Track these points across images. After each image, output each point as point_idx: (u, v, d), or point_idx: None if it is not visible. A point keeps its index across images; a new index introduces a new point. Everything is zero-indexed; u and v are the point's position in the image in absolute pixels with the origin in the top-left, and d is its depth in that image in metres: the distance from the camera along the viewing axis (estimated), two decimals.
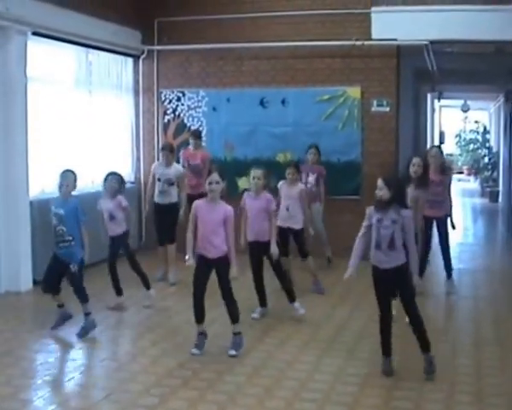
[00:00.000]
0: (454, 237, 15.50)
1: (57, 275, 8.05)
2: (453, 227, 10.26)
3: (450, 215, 10.21)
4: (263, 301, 8.87)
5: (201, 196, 11.05)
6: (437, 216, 9.80)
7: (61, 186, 7.94)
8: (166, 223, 10.75)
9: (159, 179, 10.66)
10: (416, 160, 8.90)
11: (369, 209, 6.78)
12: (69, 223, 7.87)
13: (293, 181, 9.80)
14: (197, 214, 7.37)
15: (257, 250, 8.63)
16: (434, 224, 9.94)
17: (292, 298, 8.78)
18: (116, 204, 9.13)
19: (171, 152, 10.77)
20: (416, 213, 8.20)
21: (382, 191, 6.60)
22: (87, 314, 7.97)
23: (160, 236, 10.90)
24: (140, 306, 9.22)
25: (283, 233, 9.56)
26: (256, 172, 8.52)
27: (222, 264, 7.35)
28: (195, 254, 7.40)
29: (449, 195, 10.21)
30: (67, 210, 7.87)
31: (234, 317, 7.44)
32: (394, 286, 6.79)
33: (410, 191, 8.18)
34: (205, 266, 7.35)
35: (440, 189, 9.87)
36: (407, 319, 6.95)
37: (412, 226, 6.77)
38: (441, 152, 10.57)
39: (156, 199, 10.74)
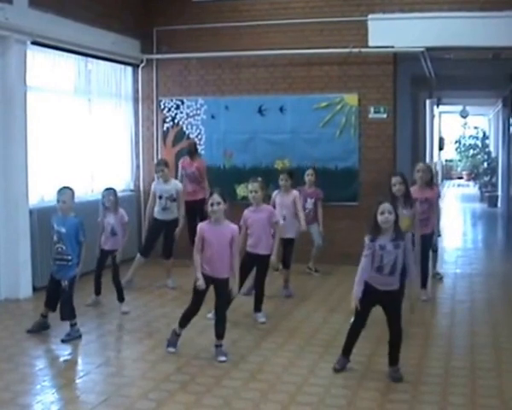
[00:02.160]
0: (452, 243, 15.64)
1: (56, 294, 8.13)
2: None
3: (437, 233, 10.23)
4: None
5: (199, 202, 11.33)
6: (422, 234, 9.34)
7: (58, 202, 8.03)
8: (165, 238, 10.88)
9: (160, 197, 10.70)
10: (395, 179, 8.70)
11: (368, 238, 6.69)
12: (69, 242, 7.96)
13: (287, 188, 9.89)
14: (204, 237, 7.32)
15: (251, 261, 8.73)
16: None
17: (258, 307, 8.89)
18: (118, 219, 9.32)
19: (166, 166, 10.82)
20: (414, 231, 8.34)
21: (391, 216, 6.58)
22: (72, 325, 8.06)
23: (150, 249, 10.94)
24: (137, 312, 9.29)
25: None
26: (253, 186, 8.61)
27: (224, 284, 7.40)
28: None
29: (437, 210, 10.23)
30: (68, 228, 7.96)
31: (219, 332, 7.45)
32: (383, 307, 6.83)
33: (399, 212, 8.01)
34: (207, 285, 7.36)
35: (426, 206, 9.71)
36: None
37: (411, 249, 6.83)
38: (428, 167, 10.54)
39: (159, 216, 10.75)
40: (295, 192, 10.05)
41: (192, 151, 12.13)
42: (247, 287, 9.45)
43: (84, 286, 9.13)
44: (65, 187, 8.20)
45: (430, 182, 10.16)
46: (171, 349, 7.53)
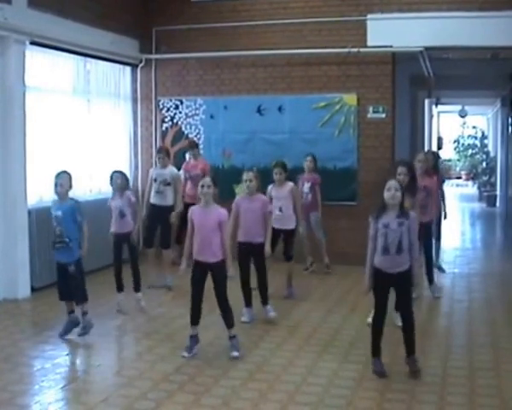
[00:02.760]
0: (451, 242, 15.65)
1: (66, 282, 8.10)
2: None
3: (444, 215, 10.26)
4: (249, 301, 8.90)
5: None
6: (420, 222, 9.01)
7: (55, 186, 8.02)
8: (161, 227, 10.79)
9: (155, 180, 10.73)
10: (400, 169, 8.66)
11: (372, 217, 6.76)
12: (66, 224, 7.94)
13: (282, 181, 9.87)
14: (193, 220, 7.44)
15: (247, 251, 8.72)
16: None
17: (265, 301, 8.90)
18: (125, 200, 9.25)
19: (166, 155, 10.86)
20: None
21: (398, 193, 6.62)
22: (84, 314, 8.06)
23: (150, 238, 10.90)
24: (136, 312, 9.28)
25: (275, 235, 9.48)
26: (248, 175, 8.63)
27: (218, 269, 7.42)
28: (192, 261, 7.49)
29: (442, 197, 10.23)
30: (65, 211, 7.95)
31: (229, 323, 7.52)
32: (395, 289, 6.83)
33: None
34: (201, 270, 7.43)
35: (424, 194, 9.67)
36: (399, 323, 7.04)
37: (417, 229, 6.84)
38: (427, 157, 10.44)
39: (152, 200, 10.78)
40: (291, 184, 10.01)
41: (195, 151, 12.08)
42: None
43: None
44: (63, 171, 8.16)
45: (432, 170, 10.19)
46: (185, 354, 7.40)
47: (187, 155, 12.29)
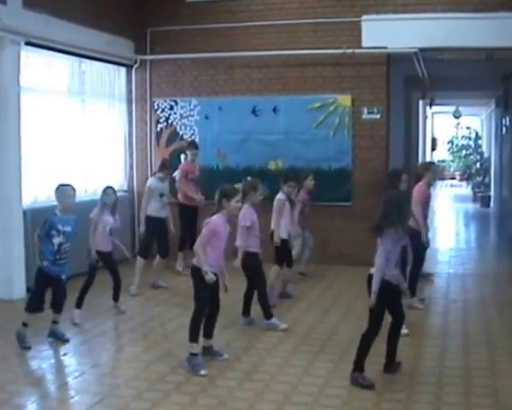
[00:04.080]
0: (445, 243, 15.69)
1: (43, 294, 7.99)
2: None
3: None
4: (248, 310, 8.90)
5: (195, 207, 11.44)
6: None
7: (64, 201, 7.91)
8: (165, 235, 10.86)
9: (161, 195, 10.66)
10: (405, 176, 8.86)
11: (395, 230, 6.61)
12: (71, 240, 7.91)
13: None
14: (218, 233, 7.17)
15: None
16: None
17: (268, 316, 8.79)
18: (115, 222, 9.19)
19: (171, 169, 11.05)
20: None
21: None
22: (55, 323, 8.03)
23: (148, 248, 10.89)
24: (131, 313, 9.29)
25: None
26: (262, 188, 8.66)
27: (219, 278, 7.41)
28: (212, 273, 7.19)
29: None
30: (72, 227, 7.91)
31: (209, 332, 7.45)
32: (396, 304, 6.84)
33: None
34: (216, 284, 7.25)
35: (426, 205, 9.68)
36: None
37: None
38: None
39: (157, 214, 10.66)
40: (280, 196, 9.96)
41: (195, 146, 12.02)
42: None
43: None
44: (66, 184, 8.07)
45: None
46: (203, 372, 6.94)
47: (182, 156, 12.24)
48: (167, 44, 13.23)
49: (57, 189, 8.00)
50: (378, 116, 12.45)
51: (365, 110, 12.48)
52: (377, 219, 6.55)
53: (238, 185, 8.31)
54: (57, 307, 7.99)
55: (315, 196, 11.50)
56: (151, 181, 10.92)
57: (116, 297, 9.35)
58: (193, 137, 13.20)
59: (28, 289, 10.16)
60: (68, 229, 7.86)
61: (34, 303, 7.89)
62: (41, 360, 7.40)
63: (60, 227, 7.83)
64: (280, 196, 9.86)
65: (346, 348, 7.71)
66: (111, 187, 9.40)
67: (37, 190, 10.80)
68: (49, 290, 7.92)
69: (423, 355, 7.53)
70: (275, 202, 9.78)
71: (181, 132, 13.38)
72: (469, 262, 13.75)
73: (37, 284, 7.91)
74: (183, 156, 12.23)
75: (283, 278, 10.17)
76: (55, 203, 8.01)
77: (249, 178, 9.09)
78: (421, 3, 12.07)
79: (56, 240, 7.79)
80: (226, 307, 7.81)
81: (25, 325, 7.82)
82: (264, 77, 12.96)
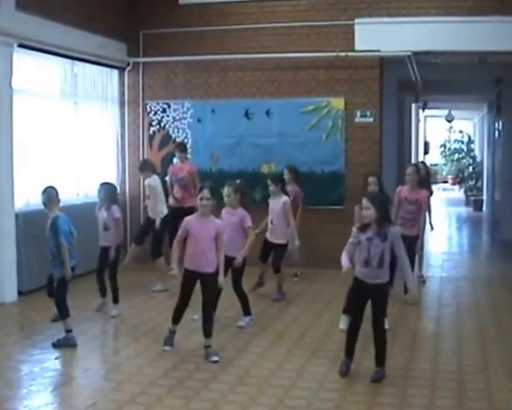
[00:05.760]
0: (438, 246, 15.70)
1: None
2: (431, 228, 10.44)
3: (421, 237, 10.30)
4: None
5: (186, 209, 11.37)
6: (407, 235, 9.00)
7: (58, 202, 8.04)
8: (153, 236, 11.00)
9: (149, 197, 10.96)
10: (371, 179, 9.08)
11: (356, 228, 6.82)
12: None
13: (276, 194, 9.96)
14: (189, 230, 7.43)
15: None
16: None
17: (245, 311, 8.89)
18: (110, 215, 9.26)
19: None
20: None
21: (369, 211, 6.65)
22: (68, 331, 7.97)
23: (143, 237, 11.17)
24: (124, 316, 9.26)
25: (268, 244, 10.11)
26: (227, 190, 8.63)
27: (210, 279, 7.48)
28: (183, 269, 7.53)
29: (428, 212, 10.29)
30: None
31: (207, 332, 7.51)
32: (372, 302, 6.86)
33: None
34: (191, 280, 7.52)
35: (413, 207, 9.82)
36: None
37: (401, 242, 6.83)
38: (418, 170, 10.32)
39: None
40: (285, 198, 10.09)
41: (183, 154, 11.99)
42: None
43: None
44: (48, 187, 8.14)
45: (423, 183, 10.25)
46: (167, 347, 7.61)
47: (174, 160, 12.23)
48: (160, 47, 13.22)
49: (44, 191, 8.06)
50: (371, 119, 12.45)
51: (358, 113, 12.48)
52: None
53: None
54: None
55: (308, 200, 11.52)
56: (152, 180, 11.01)
57: (114, 299, 9.37)
58: (185, 140, 13.17)
59: (20, 293, 10.14)
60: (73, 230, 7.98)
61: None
62: (32, 364, 7.35)
63: (72, 229, 7.99)
64: (285, 198, 9.99)
65: (339, 351, 7.66)
66: (104, 183, 9.59)
67: (29, 193, 10.75)
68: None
69: (416, 359, 7.51)
70: (283, 205, 9.91)
71: (173, 135, 13.36)
72: (462, 266, 13.78)
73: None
74: (175, 160, 12.23)
75: (278, 281, 10.24)
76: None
77: (238, 181, 9.09)
78: (415, 7, 12.08)
79: (69, 242, 7.88)
80: (218, 310, 7.80)
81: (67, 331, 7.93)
82: (257, 80, 12.95)
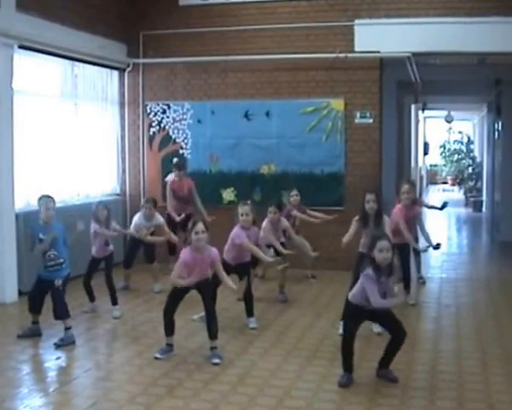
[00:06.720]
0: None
1: (41, 296, 8.22)
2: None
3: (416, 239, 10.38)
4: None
5: (185, 216, 11.47)
6: (399, 243, 8.96)
7: (46, 210, 8.09)
8: (146, 244, 10.88)
9: (137, 231, 10.64)
10: (369, 196, 8.58)
11: (356, 221, 6.81)
12: (59, 247, 8.04)
13: (276, 220, 9.96)
14: (185, 262, 7.41)
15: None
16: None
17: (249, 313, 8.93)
18: (112, 231, 9.54)
19: (154, 206, 10.71)
20: None
21: (390, 253, 6.50)
22: (67, 329, 8.04)
23: (130, 259, 11.03)
24: (124, 317, 9.28)
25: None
26: (245, 209, 8.66)
27: (205, 285, 7.53)
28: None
29: (420, 226, 10.33)
30: (59, 234, 8.06)
31: (213, 334, 7.52)
32: (379, 322, 6.92)
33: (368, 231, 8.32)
34: (184, 289, 7.55)
35: (411, 222, 9.91)
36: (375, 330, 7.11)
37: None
38: (413, 186, 10.42)
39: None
40: (285, 222, 10.24)
41: (181, 173, 12.08)
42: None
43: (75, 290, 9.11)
44: (48, 196, 8.26)
45: (415, 200, 10.31)
46: (158, 355, 7.51)
47: (170, 176, 12.31)
48: (160, 48, 13.23)
49: (40, 199, 8.19)
50: (371, 120, 12.46)
51: (358, 114, 12.50)
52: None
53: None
54: (54, 312, 8.04)
55: (307, 201, 11.52)
56: (137, 216, 10.81)
57: (113, 301, 9.42)
58: (185, 141, 13.21)
59: (20, 293, 10.16)
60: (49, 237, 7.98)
61: (29, 302, 8.28)
62: (33, 364, 7.38)
63: (40, 235, 8.01)
64: (265, 223, 9.90)
65: (339, 352, 7.68)
66: (101, 202, 9.85)
67: (29, 194, 10.75)
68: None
69: (416, 360, 7.52)
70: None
71: (173, 136, 13.37)
72: (462, 267, 13.77)
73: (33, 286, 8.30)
74: (173, 175, 12.28)
75: (280, 283, 10.28)
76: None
77: (248, 202, 9.08)
78: (414, 8, 12.09)
79: (43, 246, 7.99)
80: (218, 312, 7.80)
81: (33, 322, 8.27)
82: (256, 81, 12.97)
